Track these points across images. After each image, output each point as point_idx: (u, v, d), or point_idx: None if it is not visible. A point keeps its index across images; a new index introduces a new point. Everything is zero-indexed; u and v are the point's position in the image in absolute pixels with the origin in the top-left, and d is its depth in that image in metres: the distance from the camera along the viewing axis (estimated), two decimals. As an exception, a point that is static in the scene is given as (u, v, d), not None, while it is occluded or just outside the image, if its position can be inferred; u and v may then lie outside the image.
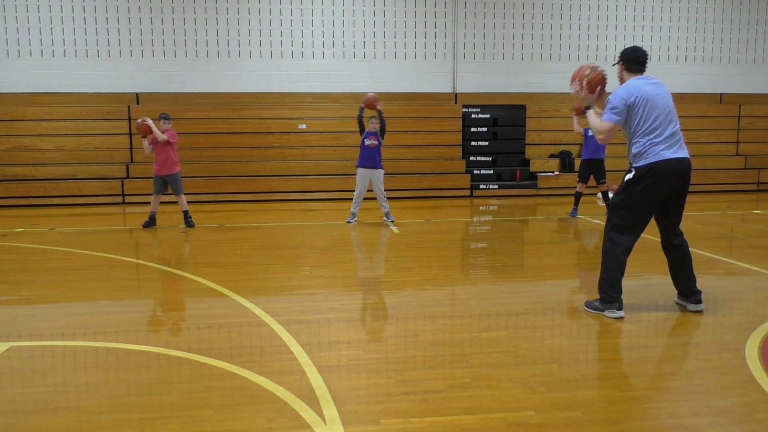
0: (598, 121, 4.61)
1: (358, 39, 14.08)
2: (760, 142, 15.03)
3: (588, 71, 4.62)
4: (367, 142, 9.21)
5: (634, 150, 4.52)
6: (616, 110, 4.49)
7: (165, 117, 9.02)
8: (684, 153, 4.50)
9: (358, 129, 9.35)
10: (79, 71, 13.33)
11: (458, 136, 14.09)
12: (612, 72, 4.78)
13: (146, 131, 8.92)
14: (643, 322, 4.54)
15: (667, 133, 4.45)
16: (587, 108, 4.72)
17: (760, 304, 5.00)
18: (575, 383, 3.45)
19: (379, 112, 9.19)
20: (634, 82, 4.56)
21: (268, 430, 2.92)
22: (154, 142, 8.97)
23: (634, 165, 4.53)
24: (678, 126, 4.53)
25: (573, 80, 4.66)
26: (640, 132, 4.48)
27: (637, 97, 4.46)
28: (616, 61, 4.74)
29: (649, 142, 4.44)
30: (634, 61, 4.63)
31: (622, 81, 4.68)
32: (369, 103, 9.15)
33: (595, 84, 4.60)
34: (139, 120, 8.99)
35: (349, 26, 14.02)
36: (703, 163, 14.02)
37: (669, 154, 4.41)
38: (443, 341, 4.13)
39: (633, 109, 4.47)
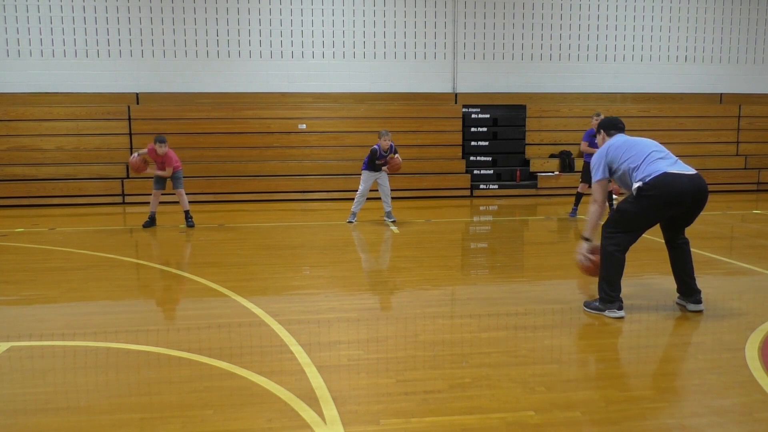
0: (594, 207, 4.71)
1: (358, 39, 14.08)
2: (760, 142, 15.03)
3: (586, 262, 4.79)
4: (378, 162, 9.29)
5: (638, 177, 4.43)
6: (597, 168, 4.66)
7: (161, 140, 8.87)
8: (691, 168, 4.48)
9: (369, 158, 9.32)
10: (79, 71, 13.33)
11: (458, 136, 14.09)
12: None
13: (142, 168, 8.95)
14: (643, 322, 4.54)
15: (657, 154, 4.49)
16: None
17: (760, 304, 4.99)
18: (575, 383, 3.45)
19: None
20: (609, 140, 4.76)
21: (268, 430, 2.92)
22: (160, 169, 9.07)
23: (639, 182, 4.43)
24: (667, 153, 4.55)
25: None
26: (634, 165, 4.49)
27: (610, 146, 4.65)
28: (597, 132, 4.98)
29: (648, 164, 4.44)
30: (613, 127, 4.84)
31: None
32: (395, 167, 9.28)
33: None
34: (135, 157, 8.89)
35: (349, 26, 14.02)
36: (703, 163, 14.02)
37: (673, 169, 4.39)
38: (443, 341, 4.13)
39: (615, 154, 4.60)
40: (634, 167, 4.48)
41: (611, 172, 4.66)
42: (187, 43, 13.59)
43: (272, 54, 13.89)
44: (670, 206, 4.43)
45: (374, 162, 9.23)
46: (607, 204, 9.77)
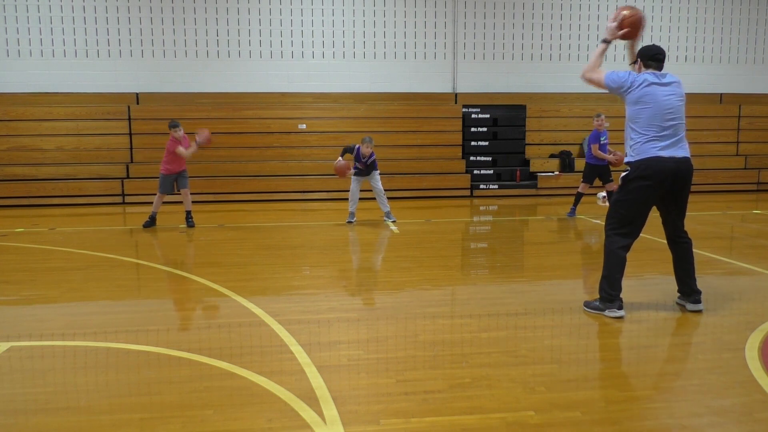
0: (597, 63, 4.65)
1: (358, 39, 14.08)
2: (760, 142, 15.03)
3: (626, 11, 4.66)
4: (357, 168, 9.29)
5: (631, 143, 4.55)
6: (616, 79, 4.54)
7: (175, 125, 8.95)
8: (682, 152, 4.47)
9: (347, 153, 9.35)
10: (79, 71, 13.33)
11: (458, 136, 14.09)
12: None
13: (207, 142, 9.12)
14: (643, 322, 4.54)
15: (664, 131, 4.43)
16: (606, 41, 4.70)
17: (760, 304, 5.00)
18: (575, 383, 3.45)
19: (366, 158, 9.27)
20: (645, 74, 4.55)
21: (268, 430, 2.92)
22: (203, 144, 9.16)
23: (628, 161, 4.58)
24: (679, 125, 4.48)
25: (612, 20, 4.69)
26: (636, 126, 4.50)
27: (641, 86, 4.47)
28: (634, 60, 4.76)
29: (644, 138, 4.45)
30: (651, 58, 4.64)
31: None
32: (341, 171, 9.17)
33: (631, 23, 4.63)
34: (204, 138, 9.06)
35: (349, 26, 14.02)
36: (703, 163, 14.01)
37: (664, 153, 4.41)
38: (443, 341, 4.13)
39: (632, 94, 4.48)
40: (631, 137, 4.51)
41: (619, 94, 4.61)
42: (187, 43, 13.58)
43: (272, 54, 13.89)
44: (651, 187, 4.45)
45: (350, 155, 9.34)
46: (607, 204, 9.82)
